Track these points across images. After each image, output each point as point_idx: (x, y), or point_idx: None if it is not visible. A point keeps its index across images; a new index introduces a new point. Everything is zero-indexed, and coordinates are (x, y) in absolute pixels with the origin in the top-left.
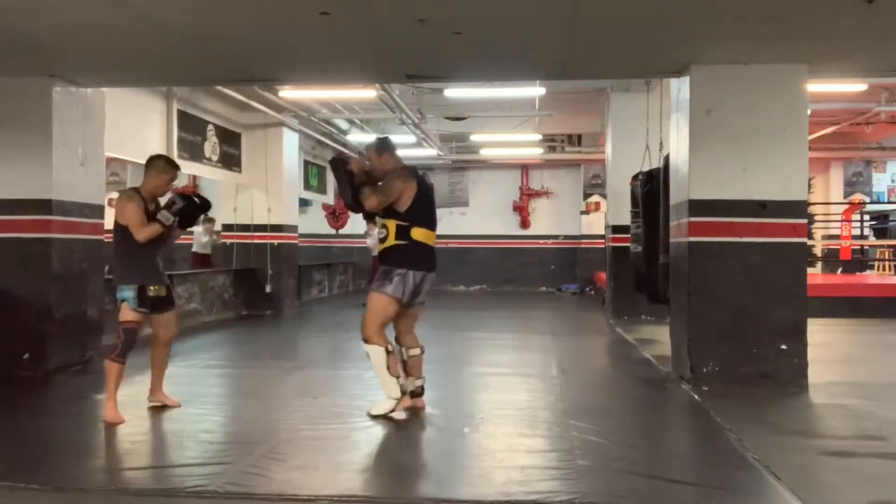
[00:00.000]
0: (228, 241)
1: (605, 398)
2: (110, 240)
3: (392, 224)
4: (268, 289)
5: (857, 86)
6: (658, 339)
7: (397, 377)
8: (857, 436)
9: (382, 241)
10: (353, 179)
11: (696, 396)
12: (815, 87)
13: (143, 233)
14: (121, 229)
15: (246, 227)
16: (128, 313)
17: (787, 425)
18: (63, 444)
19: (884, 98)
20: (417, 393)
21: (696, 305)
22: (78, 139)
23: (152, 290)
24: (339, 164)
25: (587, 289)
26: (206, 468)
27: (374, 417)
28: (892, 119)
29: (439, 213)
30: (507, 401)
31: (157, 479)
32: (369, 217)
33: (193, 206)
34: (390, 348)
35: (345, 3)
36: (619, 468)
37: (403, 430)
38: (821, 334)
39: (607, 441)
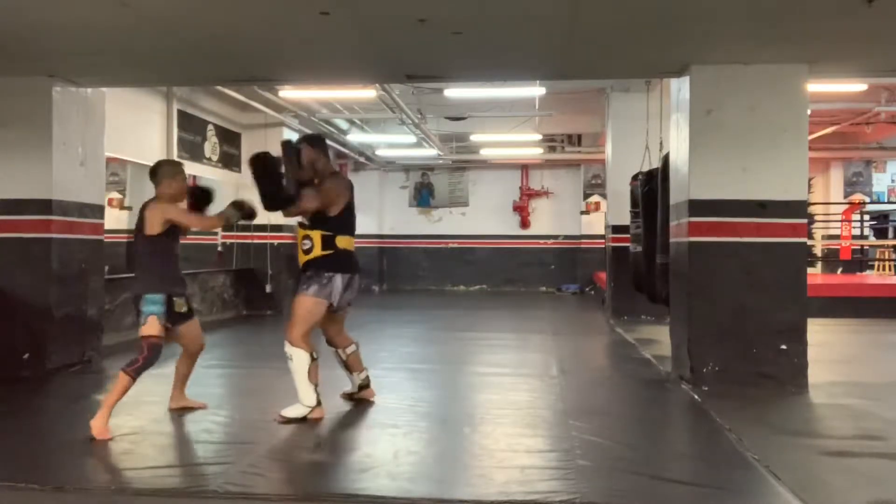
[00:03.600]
0: (228, 241)
1: (605, 398)
2: (110, 240)
3: (317, 235)
4: (268, 289)
5: (857, 86)
6: (658, 339)
7: (315, 385)
8: (857, 436)
9: (307, 252)
10: (299, 171)
11: (696, 396)
12: (815, 87)
13: (205, 223)
14: (150, 240)
15: (246, 227)
16: (155, 326)
17: (787, 425)
18: (63, 444)
19: (884, 98)
20: (365, 385)
21: (696, 305)
22: (78, 139)
23: (178, 303)
24: (293, 150)
25: (587, 289)
26: (206, 468)
27: (286, 421)
28: (892, 119)
29: (439, 212)
30: (507, 401)
31: (157, 479)
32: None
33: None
34: (315, 355)
35: (345, 3)
36: (619, 468)
37: (403, 430)
38: (821, 334)
39: (607, 441)
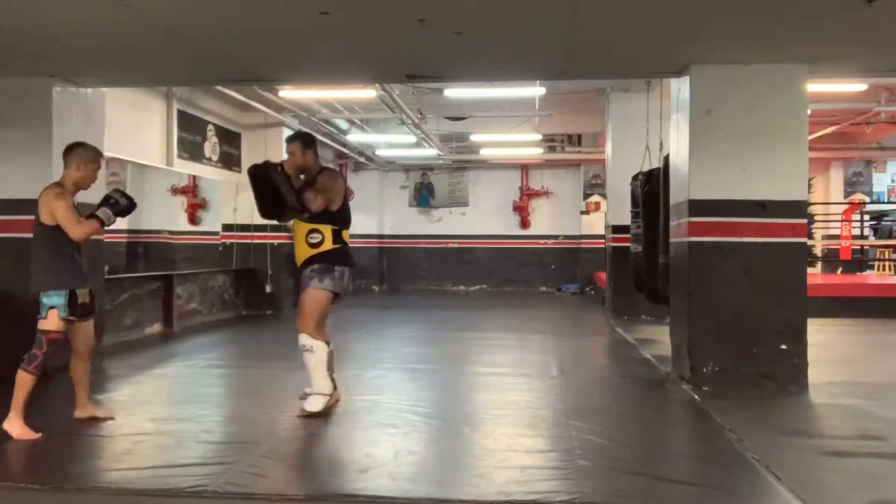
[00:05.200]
0: (228, 241)
1: (605, 398)
2: (110, 240)
3: (328, 229)
4: (268, 289)
5: (857, 86)
6: (658, 339)
7: (331, 373)
8: (857, 436)
9: (316, 245)
10: (290, 181)
11: (696, 396)
12: (815, 87)
13: (80, 230)
14: (46, 230)
15: (246, 227)
16: (55, 322)
17: (787, 425)
18: (63, 444)
19: (884, 98)
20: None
21: (696, 305)
22: (78, 139)
23: (81, 294)
24: (274, 168)
25: (587, 289)
26: (206, 468)
27: (311, 415)
28: (892, 119)
29: (439, 212)
30: (507, 401)
31: (157, 479)
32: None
33: (131, 205)
34: (331, 346)
35: (345, 3)
36: (619, 468)
37: (403, 430)
38: (821, 334)
39: (607, 441)
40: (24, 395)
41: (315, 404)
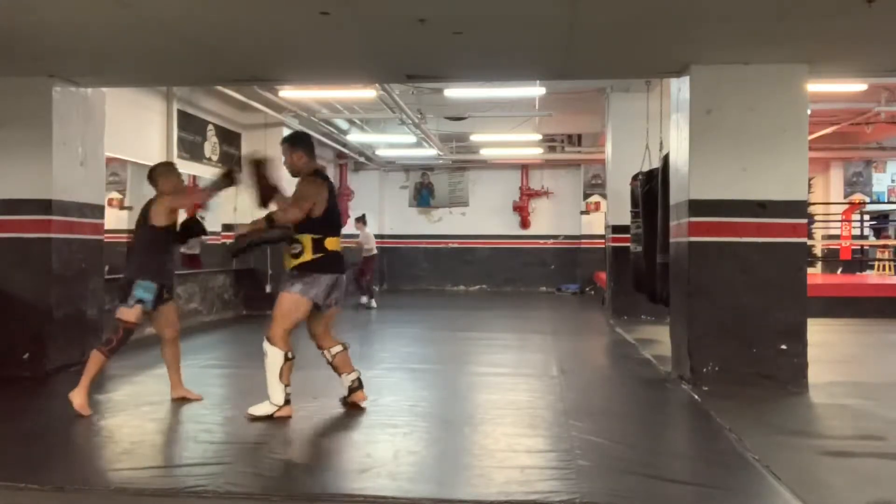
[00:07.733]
0: (228, 241)
1: (605, 398)
2: (110, 240)
3: (308, 239)
4: (268, 289)
5: (857, 86)
6: (658, 339)
7: (286, 385)
8: (857, 436)
9: (296, 256)
10: (267, 186)
11: (696, 396)
12: (815, 87)
13: (199, 196)
14: (151, 231)
15: None
16: (136, 314)
17: (787, 425)
18: (63, 444)
19: (884, 98)
20: (354, 387)
21: (696, 305)
22: (78, 139)
23: (165, 294)
24: (263, 164)
25: (587, 289)
26: (206, 468)
27: (254, 419)
28: (892, 119)
29: (439, 212)
30: (507, 401)
31: (157, 479)
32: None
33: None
34: (290, 356)
35: (345, 3)
36: (619, 468)
37: (403, 430)
38: (821, 334)
39: (607, 441)
40: (94, 373)
41: (259, 409)
